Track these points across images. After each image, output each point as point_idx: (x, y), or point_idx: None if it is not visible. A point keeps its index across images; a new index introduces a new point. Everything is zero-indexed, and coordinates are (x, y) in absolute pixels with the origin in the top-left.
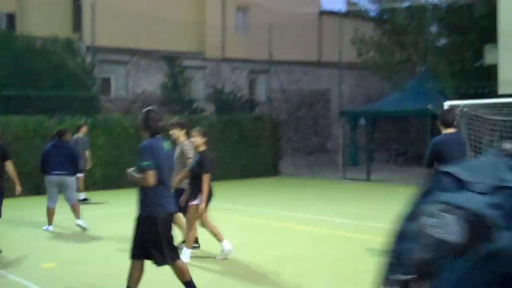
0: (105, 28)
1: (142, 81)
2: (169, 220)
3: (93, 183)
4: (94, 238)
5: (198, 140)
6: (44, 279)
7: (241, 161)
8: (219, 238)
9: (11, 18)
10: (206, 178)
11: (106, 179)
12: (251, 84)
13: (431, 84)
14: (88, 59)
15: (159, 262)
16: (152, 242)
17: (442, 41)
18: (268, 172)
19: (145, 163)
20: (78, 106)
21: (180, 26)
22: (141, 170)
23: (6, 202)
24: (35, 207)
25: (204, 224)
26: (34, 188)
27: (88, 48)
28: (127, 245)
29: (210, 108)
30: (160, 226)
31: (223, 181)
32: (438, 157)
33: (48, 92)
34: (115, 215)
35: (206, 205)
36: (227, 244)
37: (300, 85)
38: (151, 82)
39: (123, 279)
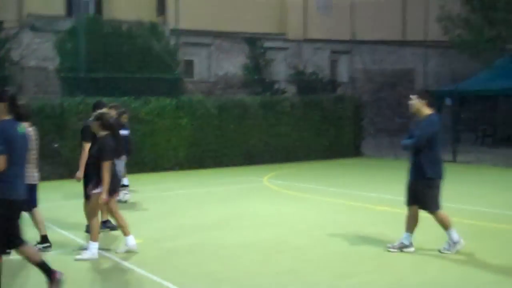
0: (188, 11)
1: (224, 63)
2: (15, 207)
3: (176, 164)
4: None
5: (95, 126)
6: (130, 255)
7: (323, 142)
8: (124, 232)
9: (98, 3)
10: (105, 166)
11: (190, 159)
12: (333, 64)
13: None
14: (172, 42)
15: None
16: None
17: None
18: (350, 153)
19: None
20: (162, 87)
21: (261, 8)
22: None
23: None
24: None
25: (112, 214)
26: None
27: (172, 31)
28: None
29: (291, 89)
30: (4, 211)
31: (305, 162)
32: None
33: (133, 74)
34: (198, 195)
35: (112, 194)
36: (131, 240)
37: (383, 65)
38: (233, 63)
39: (208, 254)
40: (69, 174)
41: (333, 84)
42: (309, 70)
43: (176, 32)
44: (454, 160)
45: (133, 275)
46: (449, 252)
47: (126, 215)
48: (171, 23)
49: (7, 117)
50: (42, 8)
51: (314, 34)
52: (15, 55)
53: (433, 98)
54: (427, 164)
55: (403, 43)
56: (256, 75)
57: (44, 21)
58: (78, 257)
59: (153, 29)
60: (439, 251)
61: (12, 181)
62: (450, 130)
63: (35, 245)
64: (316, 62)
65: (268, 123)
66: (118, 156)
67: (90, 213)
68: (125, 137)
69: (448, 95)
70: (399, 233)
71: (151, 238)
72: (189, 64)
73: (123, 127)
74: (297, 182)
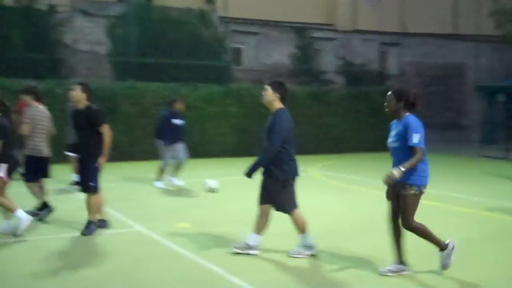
0: None
1: (272, 52)
2: None
3: (223, 151)
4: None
5: None
6: (181, 239)
7: (370, 134)
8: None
9: None
10: None
11: (238, 146)
12: (382, 56)
13: None
14: (221, 29)
15: None
16: None
17: None
18: None
19: None
20: (211, 75)
21: None
22: None
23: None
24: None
25: None
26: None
27: (220, 18)
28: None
29: (339, 80)
30: None
31: (352, 154)
32: None
33: (182, 60)
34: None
35: (10, 177)
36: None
37: (434, 58)
38: (281, 53)
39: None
40: (119, 156)
41: (382, 76)
42: (358, 61)
43: (225, 20)
44: (507, 158)
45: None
46: (298, 255)
47: (179, 201)
48: (220, 11)
49: None
50: None
51: (363, 25)
52: (67, 38)
53: (286, 91)
54: (280, 164)
55: (454, 37)
56: (304, 65)
57: (95, 5)
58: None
59: (202, 16)
60: (289, 253)
61: None
62: (503, 127)
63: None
64: (365, 53)
65: (316, 114)
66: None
67: None
68: (178, 126)
69: (500, 90)
70: (446, 228)
71: (202, 222)
72: (237, 52)
73: (175, 115)
74: (344, 173)
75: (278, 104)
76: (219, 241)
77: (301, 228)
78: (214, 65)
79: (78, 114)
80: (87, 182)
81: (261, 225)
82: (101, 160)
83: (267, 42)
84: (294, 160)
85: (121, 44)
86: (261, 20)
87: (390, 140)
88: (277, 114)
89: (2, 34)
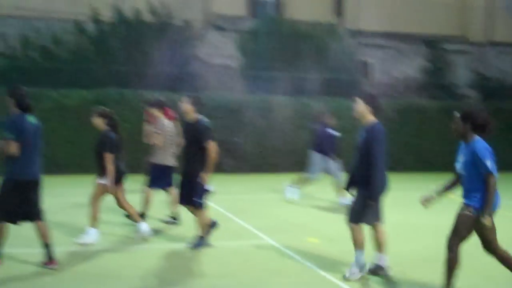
0: (366, 12)
1: (402, 65)
2: (28, 186)
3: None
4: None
5: (97, 121)
6: (309, 254)
7: (508, 152)
8: (135, 219)
9: (278, 5)
10: (107, 157)
11: None
12: None
13: None
14: (350, 42)
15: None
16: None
17: None
18: None
19: (9, 135)
20: (339, 88)
21: (441, 9)
22: (6, 141)
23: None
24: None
25: (120, 204)
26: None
27: (349, 32)
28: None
29: (473, 95)
30: (19, 190)
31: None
32: None
33: (311, 74)
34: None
35: (118, 185)
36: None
37: None
38: (411, 66)
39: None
40: (249, 168)
41: None
42: (492, 75)
43: (354, 33)
44: None
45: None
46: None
47: (309, 214)
48: (348, 24)
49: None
50: (226, 8)
51: (499, 36)
52: (201, 53)
53: (379, 105)
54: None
55: None
56: (435, 78)
57: (228, 21)
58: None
59: (331, 29)
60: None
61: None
62: None
63: (167, 220)
64: (500, 66)
65: (448, 129)
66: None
67: (91, 201)
68: (334, 137)
69: None
70: None
71: (330, 238)
72: (366, 65)
73: (329, 127)
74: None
75: (370, 118)
76: (347, 258)
77: (380, 244)
78: (342, 79)
79: (187, 127)
80: (191, 197)
81: (380, 243)
82: (204, 176)
83: (396, 55)
84: (384, 174)
85: (252, 58)
86: (391, 33)
87: (458, 166)
88: (373, 129)
89: (141, 49)
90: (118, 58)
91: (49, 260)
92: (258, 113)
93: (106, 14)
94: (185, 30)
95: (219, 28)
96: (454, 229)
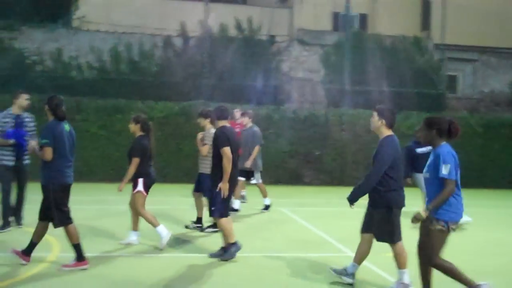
0: (453, 26)
1: (490, 80)
2: (62, 190)
3: None
4: None
5: (132, 127)
6: (389, 267)
7: None
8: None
9: (363, 19)
10: (133, 161)
11: None
12: None
13: None
14: (436, 56)
15: (54, 224)
16: (47, 207)
17: None
18: None
19: (45, 140)
20: (424, 103)
21: None
22: (41, 146)
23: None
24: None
25: (133, 206)
26: None
27: (436, 46)
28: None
29: None
30: (52, 194)
31: None
32: None
33: (395, 88)
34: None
35: (146, 190)
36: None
37: None
38: (500, 80)
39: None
40: (331, 181)
41: None
42: None
43: (441, 47)
44: None
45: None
46: None
47: None
48: (435, 38)
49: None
50: (310, 23)
51: None
52: (285, 66)
53: (393, 118)
54: (383, 192)
55: None
56: None
57: (311, 35)
58: (123, 241)
59: (416, 43)
60: None
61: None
62: None
63: (192, 224)
64: None
65: None
66: None
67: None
68: (420, 155)
69: None
70: None
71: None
72: (453, 79)
73: (418, 144)
74: None
75: (385, 131)
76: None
77: (402, 262)
78: (427, 93)
79: (214, 137)
80: (211, 207)
81: (359, 254)
82: (222, 185)
83: (484, 69)
84: (400, 189)
85: (335, 72)
86: (479, 47)
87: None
88: (383, 142)
89: (226, 62)
90: (203, 71)
91: (80, 260)
92: (340, 126)
93: (194, 29)
94: (269, 45)
95: (303, 42)
96: (429, 247)
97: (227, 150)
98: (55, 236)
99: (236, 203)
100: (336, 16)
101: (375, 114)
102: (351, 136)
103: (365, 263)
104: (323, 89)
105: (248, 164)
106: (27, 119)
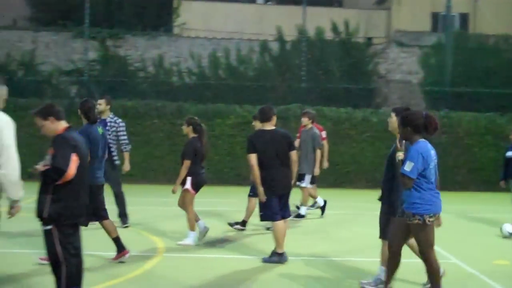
0: None
1: None
2: (95, 190)
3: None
4: None
5: (185, 129)
6: (496, 275)
7: None
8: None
9: (464, 18)
10: (184, 163)
11: None
12: None
13: None
14: None
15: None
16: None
17: None
18: None
19: None
20: None
21: None
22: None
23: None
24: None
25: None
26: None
27: None
28: None
29: None
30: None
31: None
32: None
33: (499, 89)
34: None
35: (196, 191)
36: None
37: None
38: None
39: None
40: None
41: None
42: None
43: None
44: None
45: None
46: None
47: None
48: None
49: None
50: (409, 24)
51: None
52: (382, 69)
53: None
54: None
55: None
56: None
57: (410, 36)
58: (180, 242)
59: None
60: None
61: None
62: None
63: (235, 224)
64: None
65: None
66: None
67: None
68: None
69: None
70: None
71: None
72: None
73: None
74: None
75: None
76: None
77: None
78: None
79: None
80: (259, 212)
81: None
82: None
83: None
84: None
85: (435, 73)
86: None
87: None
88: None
89: (323, 65)
90: (299, 75)
91: (121, 251)
92: (440, 129)
93: (291, 34)
94: (366, 47)
95: (401, 44)
96: (419, 243)
97: (249, 157)
98: (159, 236)
99: (302, 209)
100: (435, 16)
101: (393, 114)
102: (452, 139)
103: (473, 271)
104: (422, 91)
105: (316, 172)
106: (110, 123)
